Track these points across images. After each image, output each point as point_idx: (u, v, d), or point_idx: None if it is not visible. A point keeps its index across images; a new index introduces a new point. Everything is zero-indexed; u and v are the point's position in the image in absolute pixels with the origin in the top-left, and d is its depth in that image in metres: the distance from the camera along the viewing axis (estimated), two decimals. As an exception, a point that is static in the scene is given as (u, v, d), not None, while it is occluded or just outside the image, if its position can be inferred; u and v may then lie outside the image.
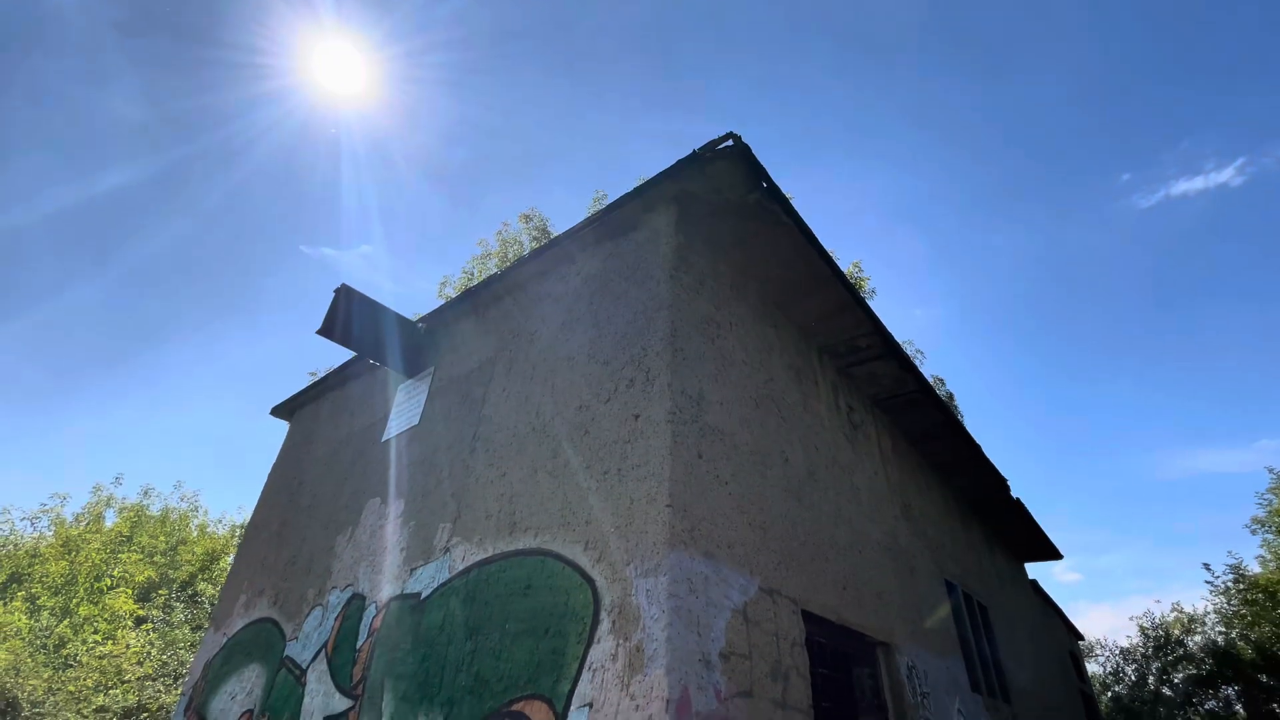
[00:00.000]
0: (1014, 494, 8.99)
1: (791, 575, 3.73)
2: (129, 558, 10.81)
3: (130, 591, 10.54)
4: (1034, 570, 12.22)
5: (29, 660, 6.68)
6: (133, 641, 8.72)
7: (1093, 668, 17.34)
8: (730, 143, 3.81)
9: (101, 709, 7.00)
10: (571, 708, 2.80)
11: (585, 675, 2.83)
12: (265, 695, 4.83)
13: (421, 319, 6.01)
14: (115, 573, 10.62)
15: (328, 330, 5.32)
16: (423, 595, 3.99)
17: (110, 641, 8.68)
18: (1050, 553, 11.20)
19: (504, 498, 3.92)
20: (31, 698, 6.09)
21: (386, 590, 4.32)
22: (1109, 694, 17.63)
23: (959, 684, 5.60)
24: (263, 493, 7.24)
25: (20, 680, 6.08)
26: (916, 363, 9.81)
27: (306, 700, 4.36)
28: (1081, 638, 16.56)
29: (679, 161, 4.00)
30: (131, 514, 13.54)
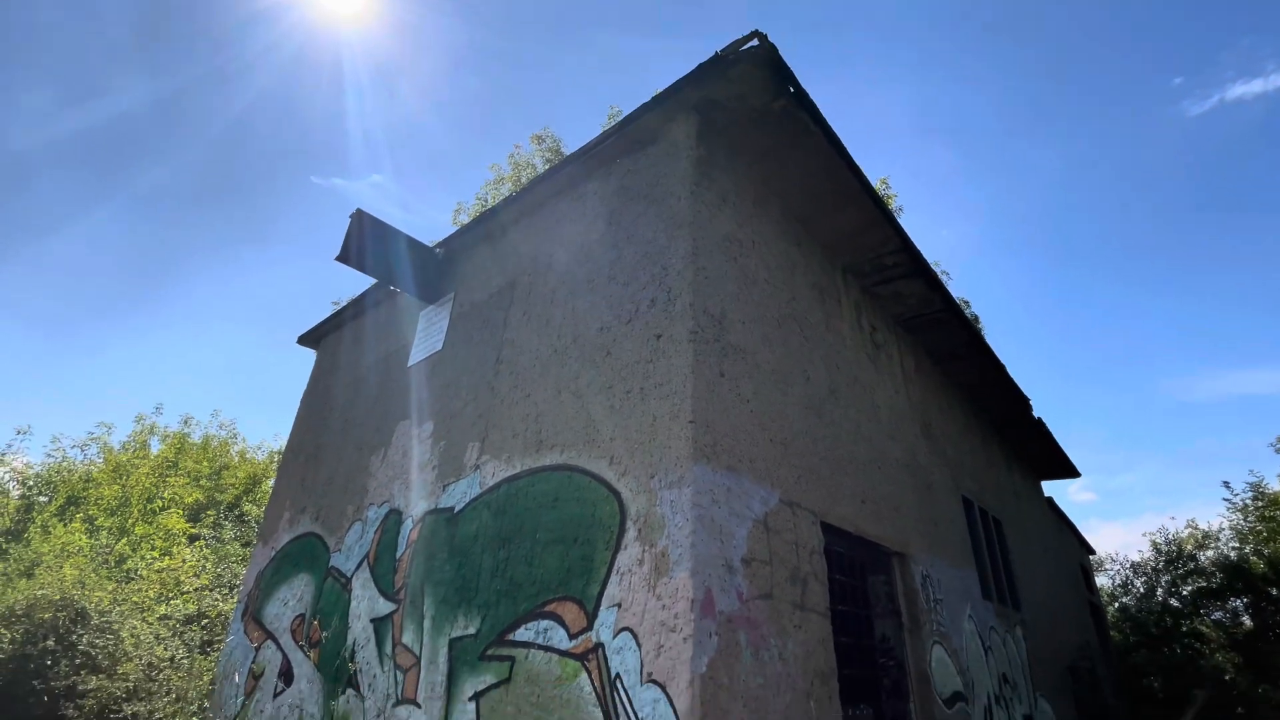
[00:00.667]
0: (1035, 414, 8.98)
1: (811, 489, 3.81)
2: (176, 481, 11.44)
3: (181, 512, 11.22)
4: (1050, 489, 12.38)
5: (92, 575, 7.21)
6: (188, 557, 9.37)
7: (1102, 581, 17.80)
8: (755, 43, 3.58)
9: (164, 617, 7.58)
10: (601, 608, 2.97)
11: (614, 579, 2.98)
12: (315, 601, 5.20)
13: (438, 245, 5.97)
14: (165, 495, 11.27)
15: (345, 257, 5.32)
16: (455, 509, 4.18)
17: (167, 557, 9.33)
18: (1068, 470, 11.29)
19: (529, 418, 4.01)
20: (99, 608, 6.60)
21: (421, 505, 4.53)
22: (1116, 604, 18.15)
23: (971, 592, 5.81)
24: (296, 418, 7.50)
25: (87, 592, 6.59)
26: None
27: (353, 605, 4.69)
28: (1093, 552, 16.94)
29: (700, 65, 3.79)
30: (175, 441, 14.20)
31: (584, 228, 4.47)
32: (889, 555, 4.77)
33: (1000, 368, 7.51)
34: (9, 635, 5.66)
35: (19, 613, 5.93)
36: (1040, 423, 9.38)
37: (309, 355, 8.18)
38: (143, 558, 9.18)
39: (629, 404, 3.41)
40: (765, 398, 3.71)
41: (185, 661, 6.71)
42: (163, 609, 7.79)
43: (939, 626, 4.87)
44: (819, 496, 3.87)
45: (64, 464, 10.30)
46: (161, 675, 6.35)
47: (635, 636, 2.77)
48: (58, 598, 6.26)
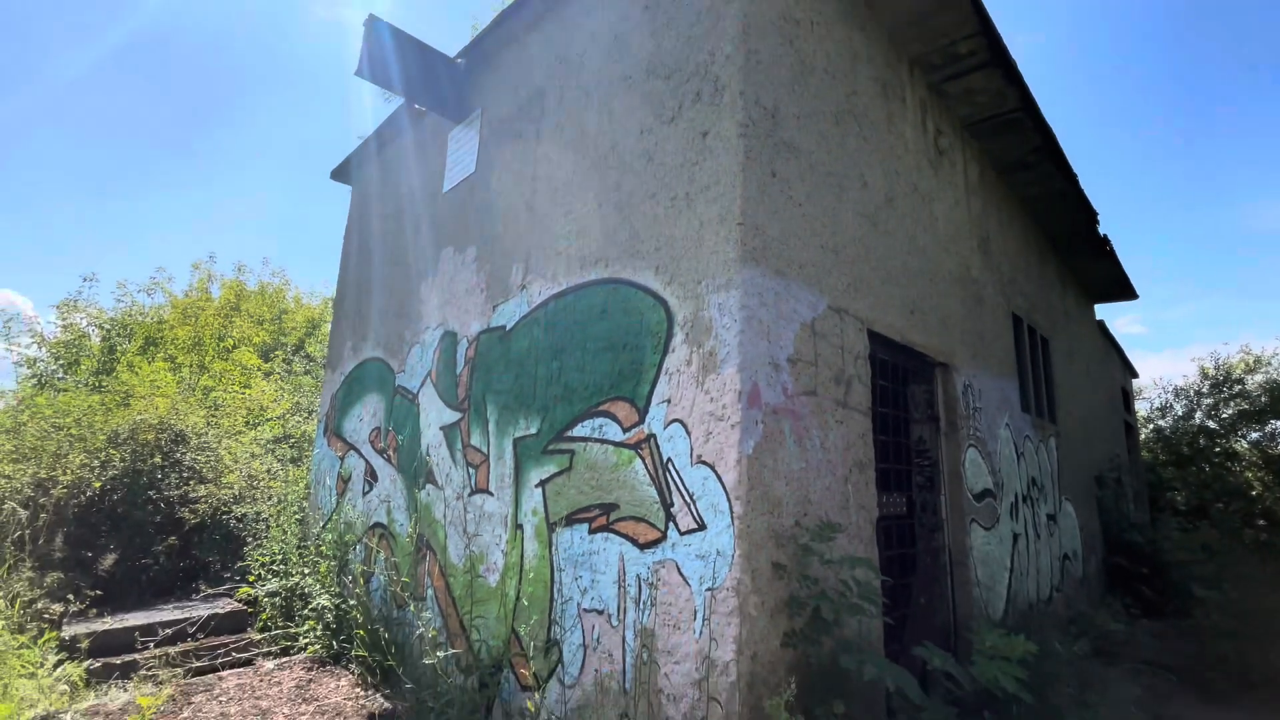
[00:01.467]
0: (1101, 231, 8.42)
1: (860, 298, 3.75)
2: (241, 323, 12.14)
3: (252, 349, 12.02)
4: (1101, 316, 12.00)
5: (183, 403, 7.93)
6: (266, 388, 10.19)
7: (1141, 407, 17.87)
8: None
9: (254, 440, 8.40)
10: (652, 405, 3.13)
11: (663, 379, 3.10)
12: (387, 416, 5.68)
13: (458, 55, 5.51)
14: (234, 334, 12.03)
15: (362, 70, 4.99)
16: (507, 327, 4.32)
17: (247, 389, 10.16)
18: (1126, 291, 10.85)
19: (571, 234, 3.94)
20: (195, 430, 7.32)
21: (474, 326, 4.69)
22: (1150, 426, 18.30)
23: (1010, 403, 5.91)
24: (343, 254, 7.63)
25: (181, 417, 7.29)
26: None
27: (422, 416, 5.10)
28: (1136, 375, 16.85)
29: None
30: (234, 286, 14.81)
31: (617, 17, 4.01)
32: (933, 365, 4.81)
33: (1072, 177, 6.90)
34: (119, 454, 6.43)
35: (124, 435, 6.68)
36: (1105, 239, 8.84)
37: (347, 192, 8.09)
38: (225, 390, 10.01)
39: (674, 211, 3.29)
40: (819, 202, 3.52)
41: (280, 472, 7.58)
42: (252, 433, 8.64)
43: (975, 431, 5.03)
44: (867, 305, 3.81)
45: (134, 308, 10.98)
46: (261, 484, 7.21)
47: (685, 427, 2.93)
48: (156, 421, 7.00)
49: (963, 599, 4.53)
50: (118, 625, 4.76)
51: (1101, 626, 6.19)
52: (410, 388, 5.37)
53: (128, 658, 4.50)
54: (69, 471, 5.97)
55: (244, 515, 6.63)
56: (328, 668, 4.53)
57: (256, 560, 5.95)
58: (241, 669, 4.55)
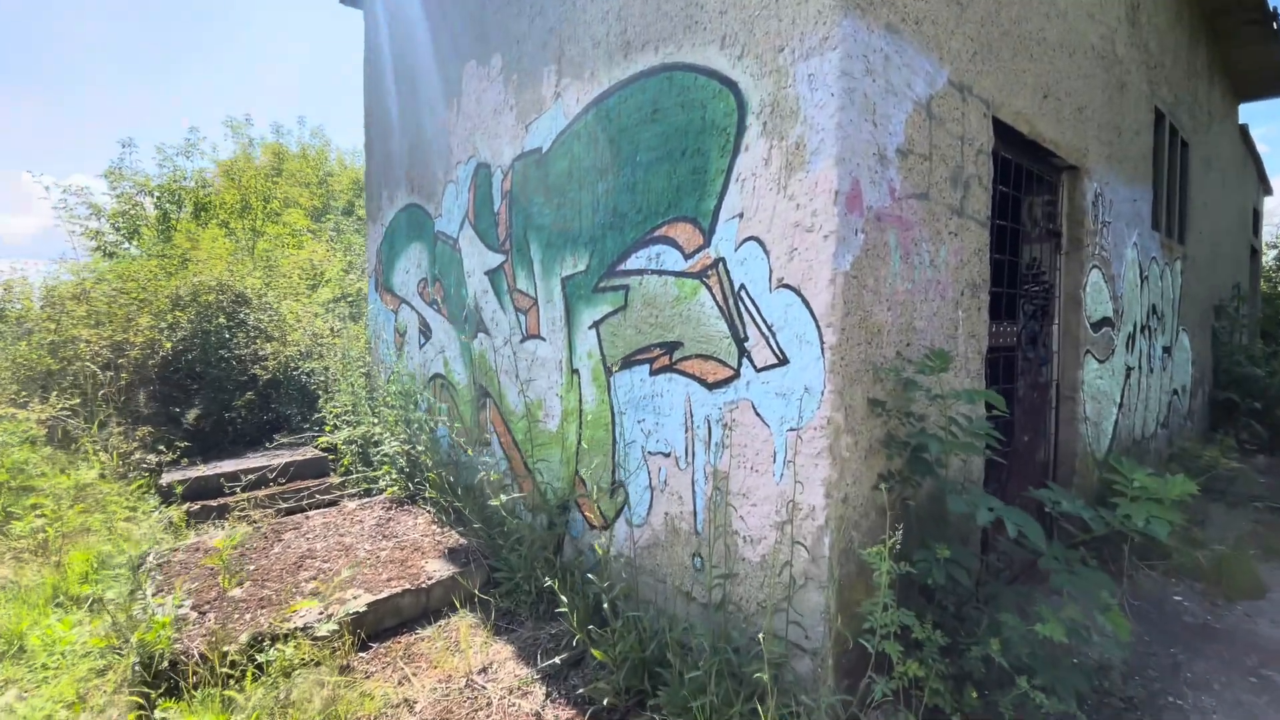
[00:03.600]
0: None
1: (986, 71, 2.91)
2: (285, 185, 11.85)
3: (302, 211, 11.83)
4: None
5: (240, 266, 7.87)
6: (318, 249, 10.08)
7: (1268, 232, 15.80)
8: None
9: (313, 300, 8.37)
10: (720, 222, 2.58)
11: (733, 188, 2.52)
12: (431, 265, 5.36)
13: None
14: (281, 196, 11.80)
15: None
16: (544, 149, 3.72)
17: (300, 249, 10.07)
18: (1291, 82, 8.86)
19: (609, 16, 3.17)
20: (255, 291, 7.28)
21: (507, 153, 4.11)
22: (1274, 251, 16.43)
23: (1141, 217, 4.98)
24: (364, 92, 6.93)
25: (239, 278, 7.23)
26: None
27: (465, 262, 4.73)
28: (1270, 193, 14.64)
29: None
30: (274, 150, 14.35)
31: None
32: (1060, 168, 3.95)
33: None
34: (185, 316, 6.49)
35: (187, 297, 6.71)
36: (1274, 13, 7.00)
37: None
38: (280, 250, 9.95)
39: (743, -41, 2.48)
40: (939, -69, 2.59)
41: (343, 329, 7.61)
42: (312, 295, 8.63)
43: (1101, 251, 4.25)
44: (994, 83, 2.98)
45: (177, 174, 10.80)
46: (324, 341, 7.26)
47: (762, 245, 2.40)
48: (214, 283, 6.98)
49: (1067, 436, 4.09)
50: (210, 472, 5.02)
51: (1208, 462, 5.70)
52: (450, 232, 4.96)
53: (221, 501, 4.77)
54: (140, 334, 6.10)
55: (312, 370, 6.75)
56: (405, 507, 4.67)
57: (330, 411, 6.11)
58: (326, 509, 4.76)
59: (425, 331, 5.52)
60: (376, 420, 5.48)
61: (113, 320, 6.25)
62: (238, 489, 4.85)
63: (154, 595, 3.27)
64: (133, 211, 10.39)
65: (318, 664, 2.87)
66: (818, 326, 2.22)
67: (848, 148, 2.18)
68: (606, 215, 3.22)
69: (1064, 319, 4.08)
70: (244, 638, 2.76)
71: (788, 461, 2.32)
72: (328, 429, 5.95)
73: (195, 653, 2.75)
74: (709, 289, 2.65)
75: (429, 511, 4.53)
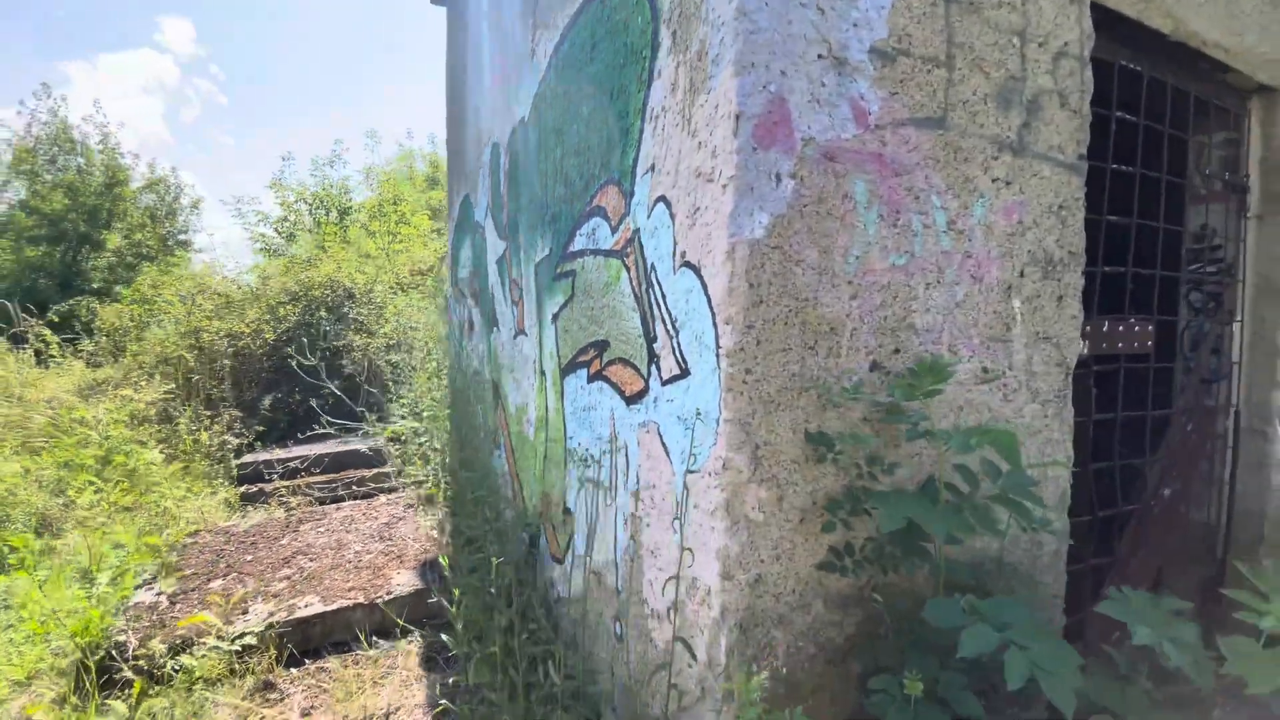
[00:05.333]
0: None
1: (1078, -70, 1.89)
2: (414, 189, 12.79)
3: (428, 214, 12.64)
4: None
5: (353, 263, 8.42)
6: (439, 246, 10.63)
7: None
8: None
9: (421, 292, 8.74)
10: (636, 178, 1.92)
11: (646, 131, 1.85)
12: (472, 256, 5.17)
13: None
14: (412, 200, 12.73)
15: None
16: (524, 118, 3.26)
17: (425, 248, 10.69)
18: None
19: (569, -58, 2.59)
20: (363, 287, 7.70)
21: (506, 129, 3.71)
22: None
23: None
24: (446, 88, 7.01)
25: (345, 275, 7.70)
26: None
27: (488, 251, 4.44)
28: None
29: None
30: (433, 159, 15.60)
31: None
32: (1244, 93, 2.63)
33: None
34: (294, 309, 7.02)
35: (298, 292, 7.28)
36: None
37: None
38: (408, 250, 10.64)
39: None
40: None
41: (433, 321, 7.85)
42: (417, 291, 9.07)
43: (1337, 210, 2.79)
44: (1096, -51, 1.94)
45: (326, 183, 12.11)
46: (414, 333, 7.50)
47: (669, 207, 1.71)
48: (324, 279, 7.51)
49: (1253, 488, 2.74)
50: (270, 457, 5.31)
51: None
52: (480, 220, 4.71)
53: (274, 485, 4.99)
54: (250, 325, 6.71)
55: (396, 363, 6.98)
56: (425, 508, 4.51)
57: (400, 403, 6.24)
58: (360, 501, 4.76)
59: (471, 325, 5.37)
60: (427, 415, 5.44)
61: (231, 313, 6.96)
62: (275, 475, 5.04)
63: (143, 582, 3.36)
64: (291, 218, 11.78)
65: (242, 675, 2.70)
66: (713, 321, 1.49)
67: (757, 46, 1.42)
68: (561, 186, 2.67)
69: (1252, 314, 2.73)
70: (155, 643, 2.65)
71: (680, 518, 1.62)
72: (393, 421, 6.07)
73: (130, 648, 2.70)
74: (627, 270, 2.00)
75: (439, 515, 4.32)
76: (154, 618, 2.94)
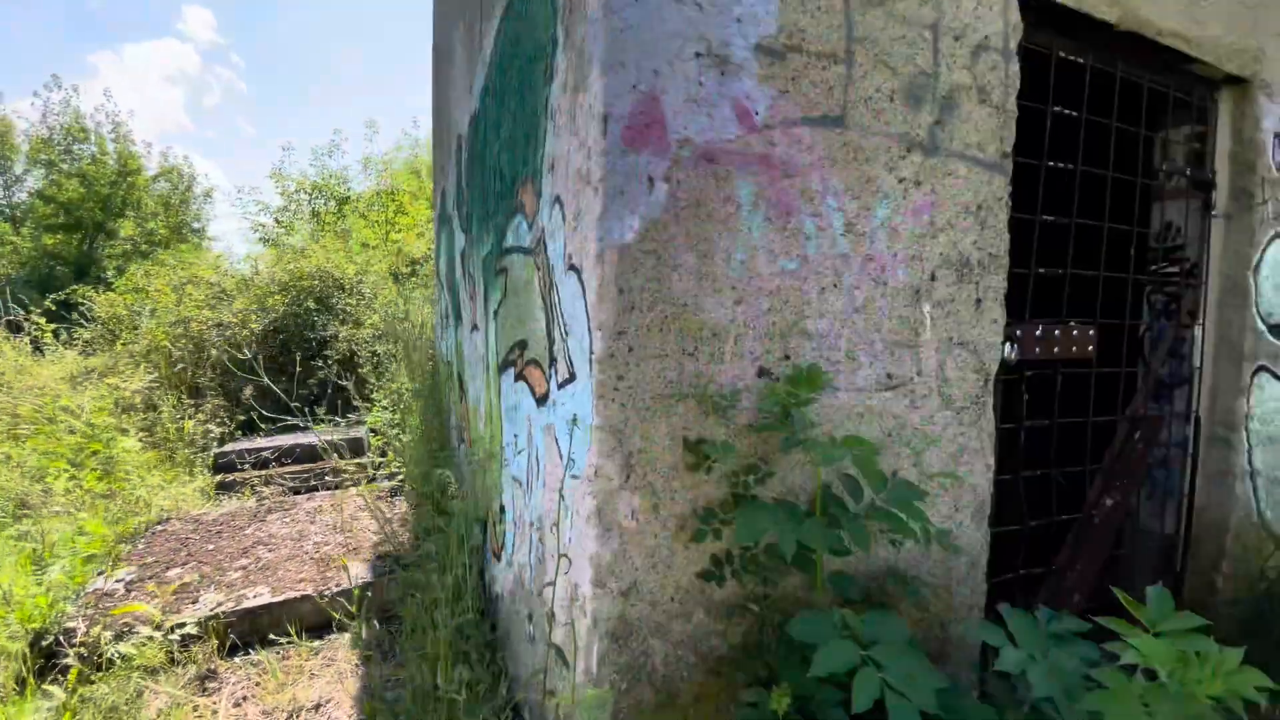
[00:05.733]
0: None
1: (1002, -83, 1.81)
2: (409, 177, 12.84)
3: (426, 204, 12.66)
4: None
5: (341, 254, 8.46)
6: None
7: None
8: None
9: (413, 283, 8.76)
10: (543, 174, 1.89)
11: (549, 129, 1.81)
12: (447, 248, 5.17)
13: None
14: (409, 190, 12.76)
15: None
16: (476, 109, 3.23)
17: (421, 238, 10.71)
18: None
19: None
20: (350, 278, 7.70)
21: (464, 120, 3.68)
22: None
23: None
24: (431, 79, 6.99)
25: (333, 266, 7.72)
26: None
27: (455, 245, 4.43)
28: None
29: None
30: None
31: None
32: (1211, 85, 2.52)
33: None
34: (281, 299, 7.08)
35: (287, 282, 7.34)
36: None
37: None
38: (405, 240, 10.67)
39: None
40: None
41: (418, 312, 7.87)
42: (409, 282, 9.09)
43: (1305, 209, 2.68)
44: (1023, -63, 1.85)
45: (325, 172, 12.19)
46: (402, 324, 7.53)
47: (562, 207, 1.68)
48: (312, 269, 7.56)
49: (1214, 499, 2.66)
50: (248, 446, 5.37)
51: None
52: (450, 212, 4.70)
53: (245, 475, 5.05)
54: (237, 316, 6.78)
55: (378, 353, 7.02)
56: (394, 500, 4.54)
57: (383, 395, 6.28)
58: (333, 492, 4.81)
59: (445, 317, 5.38)
60: (396, 407, 5.47)
61: (223, 303, 7.04)
62: (251, 465, 5.10)
63: (103, 569, 3.42)
64: (292, 207, 11.88)
65: (184, 664, 2.75)
66: (589, 326, 1.46)
67: (626, 44, 1.37)
68: (497, 181, 2.64)
69: (1216, 317, 2.63)
70: (96, 631, 2.69)
71: (558, 523, 1.60)
72: (375, 410, 6.11)
73: (78, 635, 2.75)
74: (537, 271, 1.97)
75: (404, 508, 4.35)
76: (108, 605, 2.99)
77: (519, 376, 2.26)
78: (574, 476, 1.56)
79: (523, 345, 2.21)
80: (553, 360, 1.79)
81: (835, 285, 1.64)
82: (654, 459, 1.47)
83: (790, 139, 1.55)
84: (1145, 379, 2.56)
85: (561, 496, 1.59)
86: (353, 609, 3.14)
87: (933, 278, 1.77)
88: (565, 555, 1.56)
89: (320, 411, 6.23)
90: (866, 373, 1.69)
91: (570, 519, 1.57)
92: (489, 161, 2.84)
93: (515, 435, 2.35)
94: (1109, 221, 2.34)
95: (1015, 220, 2.02)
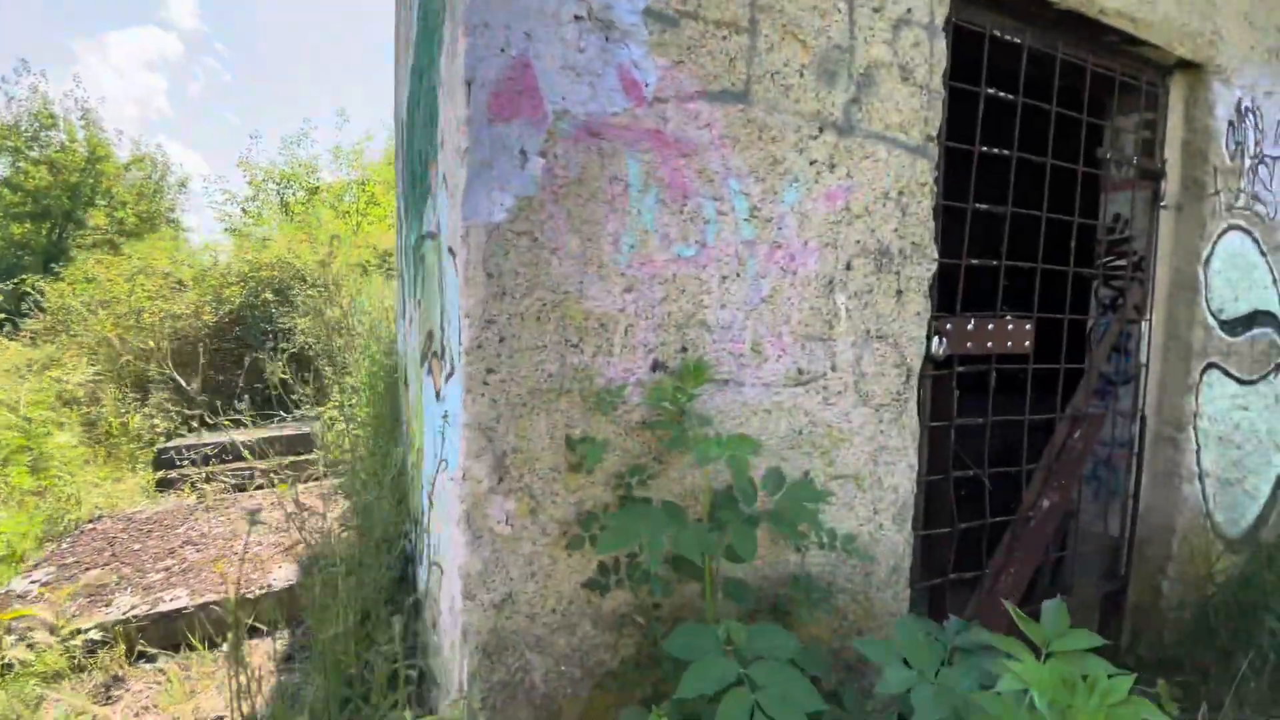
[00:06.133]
0: None
1: (926, -117, 1.70)
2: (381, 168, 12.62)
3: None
4: None
5: (305, 244, 8.24)
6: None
7: None
8: None
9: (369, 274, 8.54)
10: (438, 155, 1.76)
11: (441, 93, 1.68)
12: (400, 238, 5.02)
13: None
14: (381, 180, 12.52)
15: None
16: (408, 89, 3.09)
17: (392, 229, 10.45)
18: None
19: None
20: (310, 270, 7.48)
21: (402, 98, 3.53)
22: None
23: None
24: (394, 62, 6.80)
25: (294, 258, 7.49)
26: None
27: (402, 234, 4.29)
28: None
29: None
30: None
31: None
32: (1163, 70, 2.44)
33: None
34: (238, 290, 6.88)
35: (245, 273, 7.13)
36: None
37: None
38: (376, 231, 10.44)
39: None
40: None
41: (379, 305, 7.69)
42: (379, 273, 8.89)
43: (1249, 201, 2.61)
44: (951, -95, 1.75)
45: (294, 161, 11.93)
46: (366, 316, 7.35)
47: (447, 185, 1.55)
48: (272, 260, 7.35)
49: (1161, 500, 2.60)
50: (194, 442, 5.20)
51: None
52: (398, 200, 4.55)
53: (188, 471, 4.89)
54: (190, 307, 6.58)
55: (335, 347, 6.85)
56: (334, 496, 4.40)
57: (340, 388, 6.11)
58: (276, 489, 4.65)
59: (401, 309, 5.23)
60: (349, 401, 5.31)
61: (178, 295, 6.83)
62: (196, 460, 4.93)
63: (25, 570, 3.26)
64: (259, 197, 11.61)
65: (89, 672, 2.60)
66: (457, 314, 1.34)
67: (493, 2, 1.25)
68: (419, 163, 2.51)
69: (1165, 311, 2.56)
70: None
71: (424, 530, 1.48)
72: (330, 405, 5.95)
73: (-26, 642, 2.60)
74: (438, 257, 1.84)
75: (344, 506, 4.21)
76: (19, 608, 2.84)
77: (429, 370, 2.14)
78: (450, 479, 1.44)
79: (430, 337, 2.08)
80: (444, 352, 1.67)
81: (739, 274, 1.53)
82: (532, 459, 1.36)
83: (686, 115, 1.43)
84: (1087, 376, 2.48)
85: (431, 501, 1.47)
86: (273, 613, 3.00)
87: (849, 267, 1.67)
88: (437, 564, 1.45)
89: (273, 406, 6.05)
90: (774, 367, 1.59)
91: (443, 524, 1.45)
92: (414, 144, 2.71)
93: (426, 431, 2.23)
94: (1053, 212, 2.24)
95: (949, 209, 1.92)
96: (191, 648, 2.84)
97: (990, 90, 1.97)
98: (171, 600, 2.96)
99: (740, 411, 1.55)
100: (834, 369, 1.67)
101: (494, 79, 1.26)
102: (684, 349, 1.48)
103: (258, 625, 2.86)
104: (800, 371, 1.62)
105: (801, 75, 1.56)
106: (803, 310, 1.61)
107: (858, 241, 1.67)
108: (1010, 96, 2.03)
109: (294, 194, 11.62)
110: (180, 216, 21.20)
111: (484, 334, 1.29)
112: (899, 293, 1.75)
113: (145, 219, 18.75)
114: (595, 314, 1.39)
